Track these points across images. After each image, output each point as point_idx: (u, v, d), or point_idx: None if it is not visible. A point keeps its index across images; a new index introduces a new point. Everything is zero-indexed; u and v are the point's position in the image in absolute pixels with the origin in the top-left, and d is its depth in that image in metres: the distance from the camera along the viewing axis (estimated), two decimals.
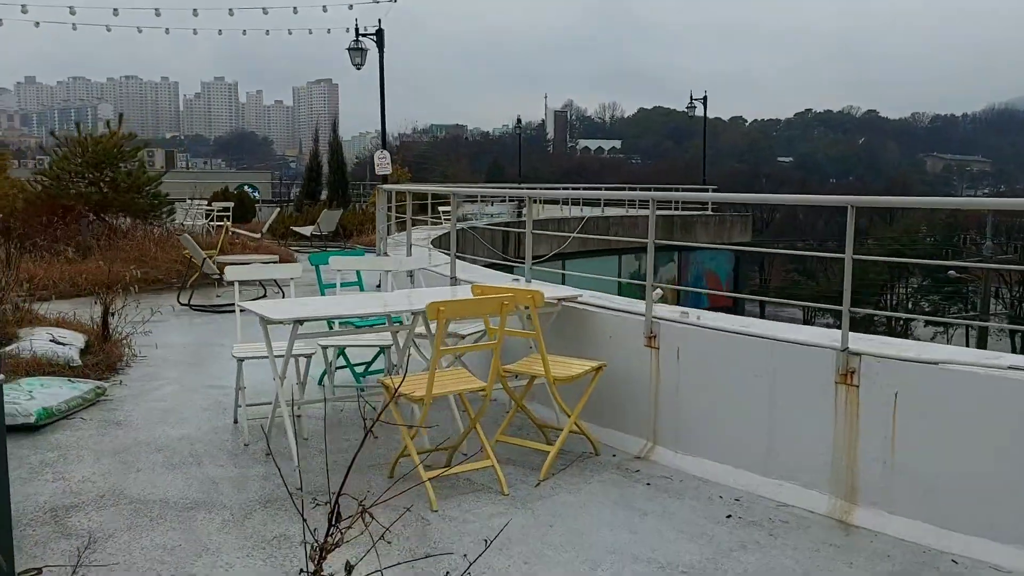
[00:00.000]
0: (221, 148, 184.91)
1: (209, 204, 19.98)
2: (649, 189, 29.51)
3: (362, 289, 6.69)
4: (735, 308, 21.84)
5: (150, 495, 4.44)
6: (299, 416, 5.60)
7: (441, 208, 19.44)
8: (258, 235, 17.43)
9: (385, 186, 10.86)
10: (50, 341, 6.94)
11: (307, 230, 18.55)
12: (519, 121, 46.49)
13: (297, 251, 18.06)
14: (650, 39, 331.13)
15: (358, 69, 17.14)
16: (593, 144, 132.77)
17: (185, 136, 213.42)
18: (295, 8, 22.15)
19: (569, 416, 4.87)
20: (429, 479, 4.29)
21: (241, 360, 5.29)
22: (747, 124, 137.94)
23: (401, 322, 5.19)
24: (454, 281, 6.96)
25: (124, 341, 7.65)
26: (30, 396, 5.70)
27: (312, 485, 4.60)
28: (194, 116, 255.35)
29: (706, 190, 24.65)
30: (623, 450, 5.18)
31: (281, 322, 4.43)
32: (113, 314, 7.56)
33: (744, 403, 4.59)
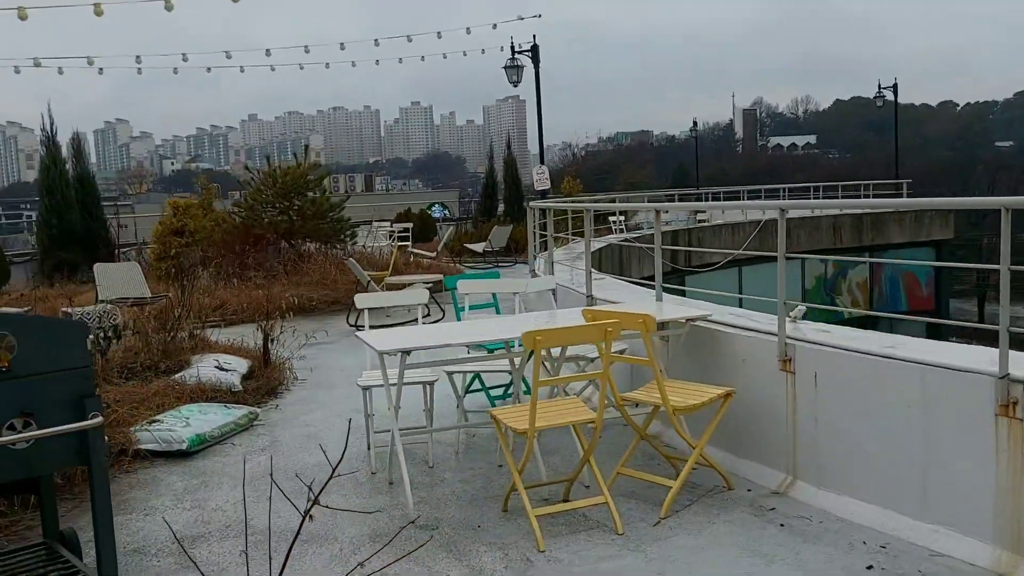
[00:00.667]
0: (419, 169, 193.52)
1: (392, 226, 20.83)
2: (837, 187, 27.70)
3: (497, 311, 6.60)
4: (936, 311, 19.92)
5: (273, 526, 4.53)
6: (428, 442, 5.59)
7: (611, 218, 19.16)
8: (433, 254, 17.93)
9: (533, 203, 10.77)
10: (215, 367, 7.38)
11: (479, 247, 18.88)
12: (695, 123, 45.27)
13: (471, 267, 18.44)
14: (843, 23, 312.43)
15: (515, 86, 17.29)
16: (785, 141, 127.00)
17: (386, 160, 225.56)
18: (468, 28, 22.79)
19: (694, 448, 4.51)
20: (537, 516, 4.09)
21: (366, 389, 5.34)
22: (958, 108, 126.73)
23: (514, 347, 5.04)
24: (590, 300, 6.71)
25: (284, 365, 8.01)
26: (186, 423, 6.05)
27: (427, 517, 4.54)
28: (394, 140, 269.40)
29: (900, 186, 22.72)
30: (760, 484, 4.73)
31: (387, 353, 4.40)
32: (272, 340, 7.93)
33: (893, 436, 4.04)
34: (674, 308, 5.42)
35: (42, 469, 3.44)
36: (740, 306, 5.76)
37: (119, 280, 11.42)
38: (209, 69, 22.78)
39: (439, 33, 20.91)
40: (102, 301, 11.01)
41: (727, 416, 4.64)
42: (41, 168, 16.50)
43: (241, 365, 7.65)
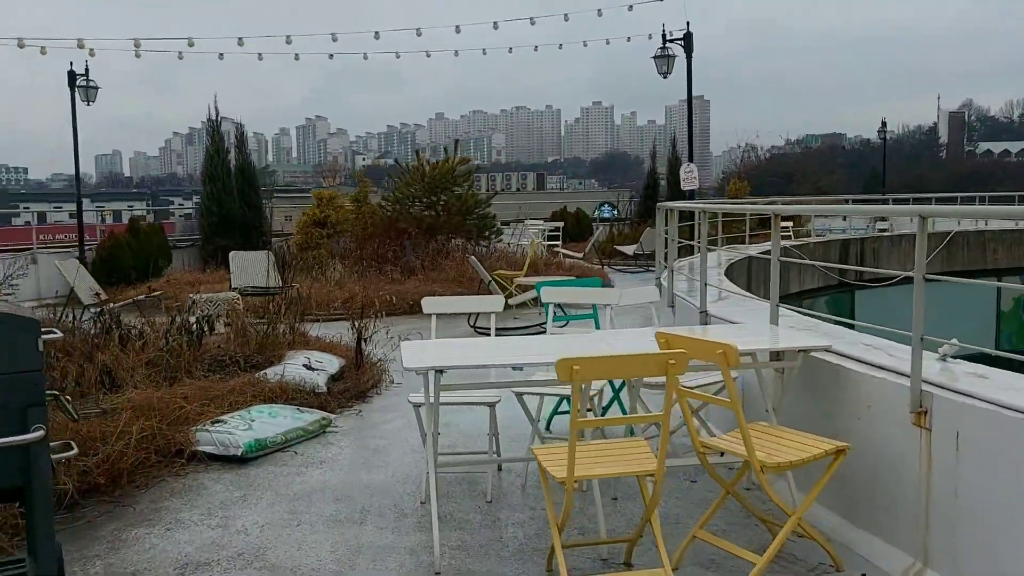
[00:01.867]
0: (596, 169, 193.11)
1: (543, 224, 20.26)
2: None
3: (597, 324, 5.80)
4: None
5: (286, 560, 3.99)
6: (488, 472, 4.89)
7: (783, 223, 17.62)
8: (580, 255, 17.19)
9: (666, 203, 9.78)
10: (303, 366, 7.02)
11: (630, 249, 17.94)
12: (883, 124, 41.66)
13: (620, 271, 17.54)
14: None
15: (664, 77, 16.17)
16: (997, 147, 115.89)
17: (564, 159, 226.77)
18: (649, 35, 21.85)
19: (790, 514, 3.54)
20: None
21: (417, 406, 4.70)
22: None
23: None
24: (704, 317, 5.77)
25: (379, 366, 7.56)
26: (248, 426, 5.67)
27: (456, 568, 3.84)
28: (573, 139, 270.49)
29: None
30: (879, 567, 3.69)
31: (415, 371, 3.74)
32: (366, 340, 7.50)
33: None
34: (788, 335, 4.42)
35: None
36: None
37: (252, 269, 11.48)
38: (398, 55, 22.82)
39: (628, 38, 20.24)
40: (234, 289, 11.09)
41: (844, 472, 3.65)
42: (205, 157, 17.21)
43: (332, 365, 7.26)
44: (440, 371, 3.76)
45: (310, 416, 6.10)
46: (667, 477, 4.63)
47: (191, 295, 10.09)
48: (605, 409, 5.73)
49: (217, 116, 16.91)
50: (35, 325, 2.95)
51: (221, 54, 19.09)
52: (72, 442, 3.50)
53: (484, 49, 23.61)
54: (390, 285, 12.85)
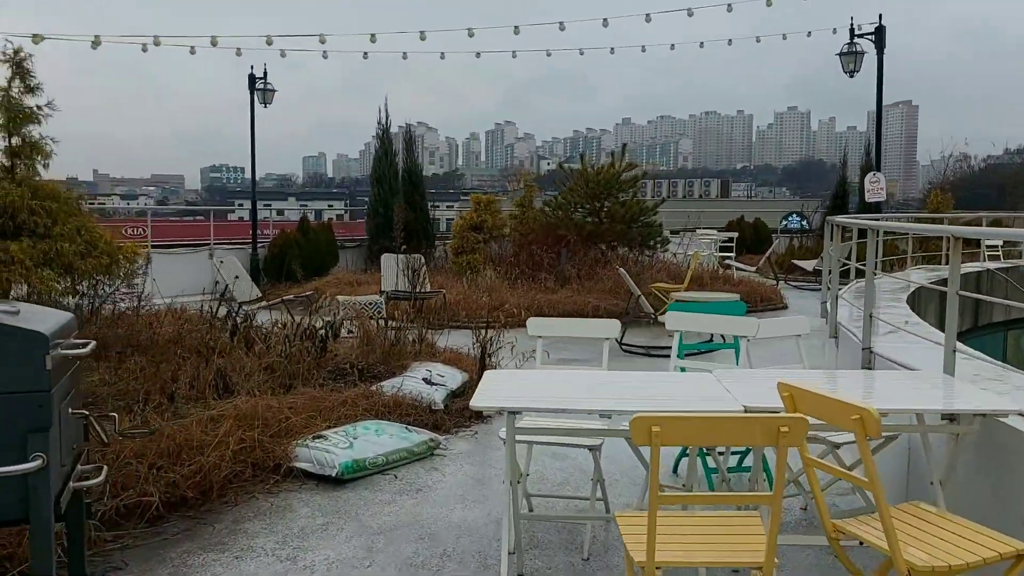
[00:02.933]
0: (788, 176, 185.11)
1: (716, 234, 19.14)
2: None
3: (737, 357, 5.01)
4: None
5: None
6: (588, 523, 4.26)
7: (987, 242, 15.73)
8: (753, 268, 16.01)
9: (836, 218, 8.63)
10: (422, 379, 6.65)
11: (809, 264, 16.51)
12: None
13: (797, 287, 16.21)
14: None
15: (851, 77, 14.58)
16: None
17: (754, 166, 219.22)
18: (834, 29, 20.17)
19: None
20: None
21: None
22: None
23: None
24: (868, 356, 4.84)
25: None
26: (349, 444, 5.33)
27: None
28: (765, 146, 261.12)
29: None
30: None
31: (483, 409, 3.19)
32: (490, 355, 7.03)
33: None
34: (966, 391, 3.48)
35: None
36: None
37: (403, 272, 11.36)
38: (582, 52, 22.28)
39: (809, 33, 18.77)
40: (382, 293, 11.01)
41: None
42: (374, 160, 17.49)
43: (454, 379, 6.85)
44: (513, 412, 3.19)
45: (417, 436, 5.69)
46: (802, 549, 3.83)
47: (338, 296, 10.06)
48: (742, 457, 4.95)
49: (387, 119, 17.20)
50: (43, 340, 2.66)
51: (404, 53, 19.29)
52: (104, 466, 3.23)
53: (672, 44, 22.59)
54: (541, 294, 12.39)
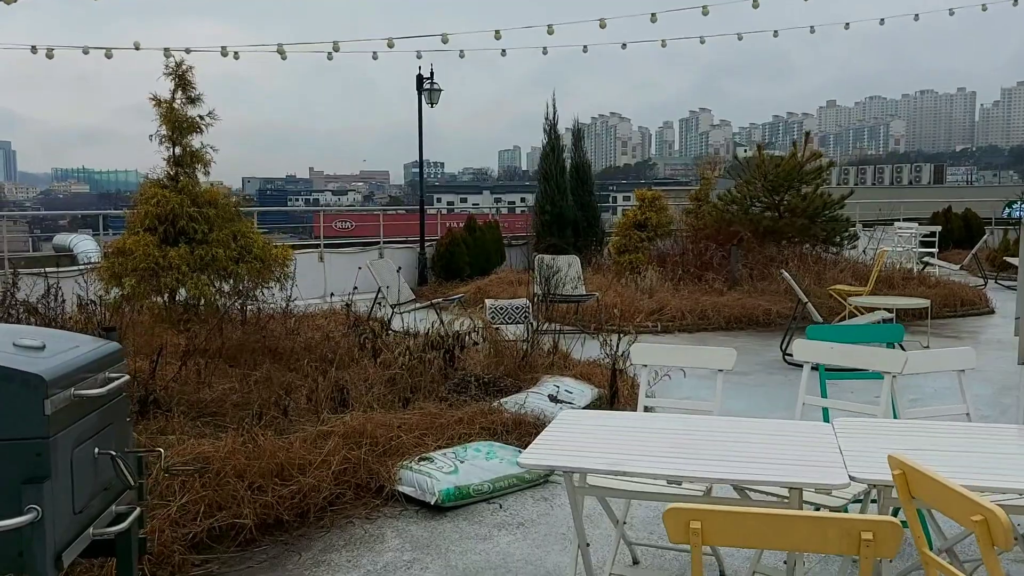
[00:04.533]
0: (1017, 158, 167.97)
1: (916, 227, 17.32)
2: None
3: (893, 408, 4.20)
4: None
5: None
6: None
7: None
8: (956, 266, 14.30)
9: None
10: (548, 396, 6.24)
11: None
12: None
13: (1011, 287, 14.30)
14: None
15: None
16: None
17: (976, 148, 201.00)
18: None
19: None
20: None
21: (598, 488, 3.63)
22: None
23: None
24: None
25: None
26: (454, 468, 5.02)
27: None
28: (990, 125, 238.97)
29: None
30: None
31: (533, 468, 2.73)
32: (621, 371, 6.48)
33: None
34: None
35: None
36: None
37: (558, 273, 10.98)
38: (776, 33, 21.01)
39: None
40: (534, 295, 10.69)
41: None
42: (541, 156, 17.19)
43: (583, 396, 6.38)
44: (570, 472, 2.71)
45: None
46: None
47: (486, 300, 9.86)
48: None
49: (554, 114, 16.83)
50: (39, 383, 2.48)
51: (585, 47, 18.88)
52: (136, 507, 3.06)
53: (882, 19, 20.69)
54: (707, 296, 11.61)
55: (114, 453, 2.89)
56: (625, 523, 3.85)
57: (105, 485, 2.92)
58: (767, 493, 3.24)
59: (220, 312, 8.21)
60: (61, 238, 19.20)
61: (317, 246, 15.51)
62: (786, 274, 9.21)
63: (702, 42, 13.99)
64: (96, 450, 2.82)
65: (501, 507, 4.89)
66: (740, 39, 13.46)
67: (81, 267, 10.38)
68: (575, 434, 3.05)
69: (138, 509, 3.02)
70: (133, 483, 2.94)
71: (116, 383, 2.89)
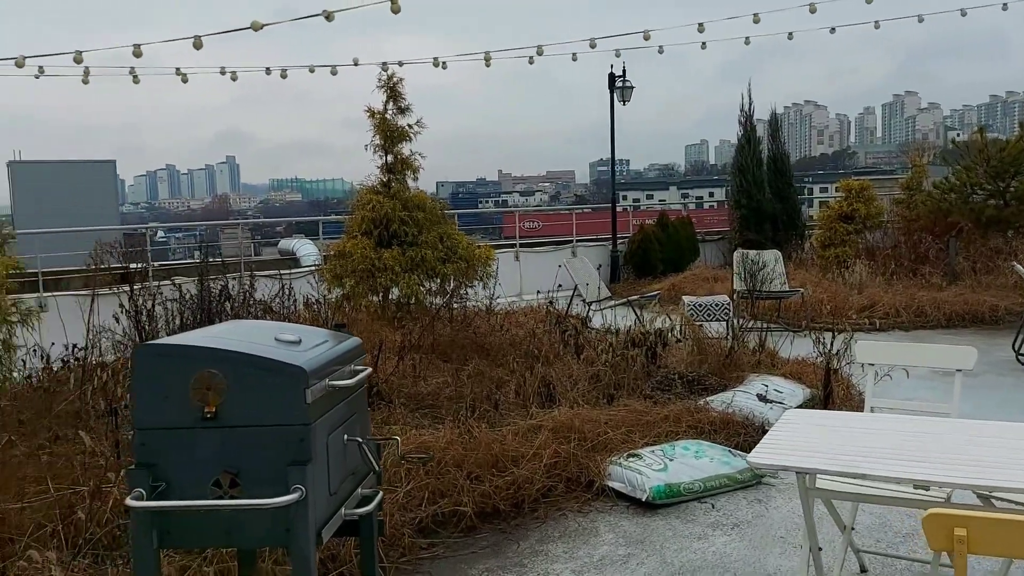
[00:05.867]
0: None
1: None
2: None
3: None
4: None
5: None
6: None
7: None
8: None
9: None
10: (756, 395, 6.09)
11: None
12: None
13: None
14: None
15: None
16: None
17: None
18: None
19: None
20: None
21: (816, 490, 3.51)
22: None
23: None
24: None
25: (858, 401, 6.20)
26: (664, 466, 5.01)
27: None
28: None
29: None
30: None
31: (764, 467, 2.70)
32: (835, 370, 6.19)
33: None
34: None
35: (241, 541, 2.92)
36: None
37: (758, 269, 10.66)
38: (1005, 6, 19.38)
39: None
40: (734, 292, 10.45)
41: None
42: (736, 148, 16.69)
43: (794, 397, 6.17)
44: (802, 472, 2.65)
45: (742, 462, 5.18)
46: None
47: (683, 297, 9.72)
48: None
49: (750, 105, 16.28)
50: (301, 374, 2.74)
51: (790, 34, 18.17)
52: (379, 490, 3.29)
53: None
54: (924, 291, 10.86)
55: (360, 440, 3.12)
56: (853, 528, 3.69)
57: (352, 470, 3.17)
58: (1011, 502, 3.03)
59: (429, 310, 8.63)
60: (285, 243, 20.83)
61: (511, 246, 15.91)
62: (1018, 266, 8.44)
63: (920, 20, 13.07)
64: (345, 437, 3.07)
65: (713, 507, 4.83)
66: (964, 15, 12.42)
67: (304, 269, 11.23)
68: (803, 434, 2.97)
69: (380, 493, 3.25)
70: (377, 468, 3.16)
71: (362, 375, 3.13)
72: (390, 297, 8.95)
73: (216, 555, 3.66)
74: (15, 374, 5.24)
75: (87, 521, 3.68)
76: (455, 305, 8.39)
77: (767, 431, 5.56)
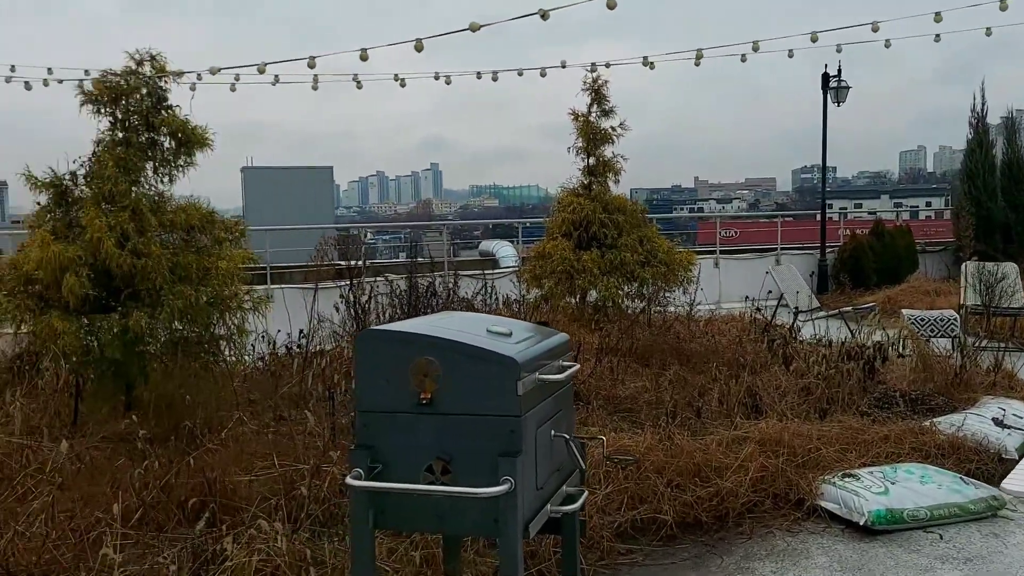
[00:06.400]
0: None
1: None
2: None
3: None
4: None
5: None
6: None
7: None
8: None
9: None
10: (991, 419, 5.51)
11: None
12: None
13: None
14: None
15: None
16: None
17: None
18: None
19: None
20: None
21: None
22: None
23: None
24: None
25: None
26: (885, 489, 4.63)
27: None
28: None
29: None
30: None
31: (1014, 495, 2.38)
32: None
33: None
34: None
35: (451, 528, 2.94)
36: None
37: (991, 283, 9.73)
38: None
39: None
40: (961, 307, 9.60)
41: None
42: (965, 153, 15.28)
43: None
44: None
45: (975, 491, 4.69)
46: None
47: (902, 310, 9.01)
48: None
49: (983, 107, 14.87)
50: (514, 365, 2.73)
51: None
52: (584, 489, 3.23)
53: None
54: None
55: (567, 437, 3.08)
56: None
57: (557, 466, 3.13)
58: None
59: (626, 313, 8.53)
60: (486, 244, 21.48)
61: (709, 252, 15.47)
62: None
63: None
64: (552, 432, 3.04)
65: (941, 538, 4.40)
66: None
67: (505, 270, 11.46)
68: None
69: (585, 492, 3.19)
70: (583, 466, 3.11)
71: (571, 370, 3.09)
72: (587, 299, 8.93)
73: (422, 540, 3.75)
74: (246, 357, 5.66)
75: (307, 498, 3.89)
76: (655, 309, 8.23)
77: (1004, 459, 5.05)
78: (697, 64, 11.58)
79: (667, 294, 8.65)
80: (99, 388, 5.29)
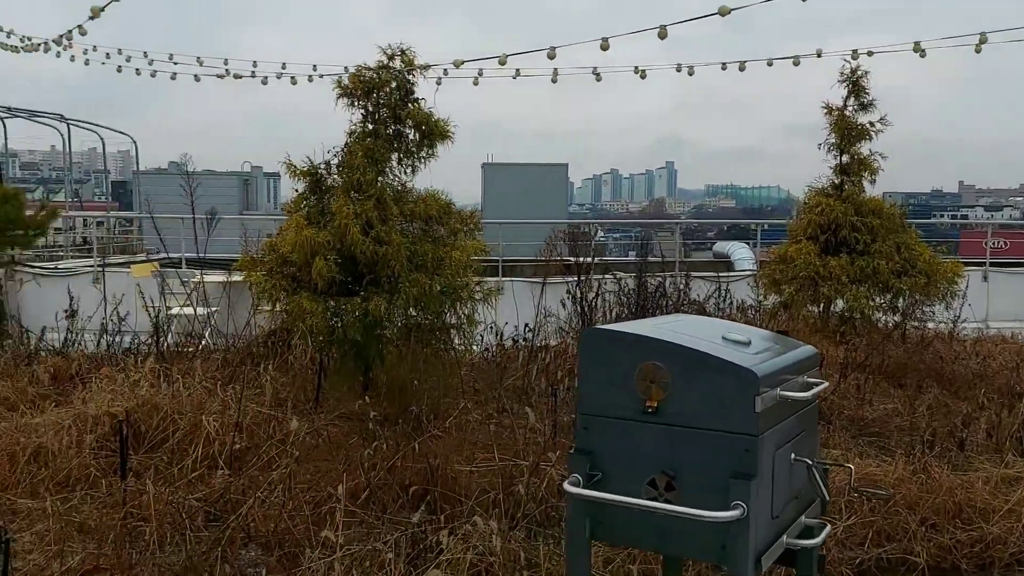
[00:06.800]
0: None
1: None
2: None
3: None
4: None
5: None
6: None
7: None
8: None
9: None
10: None
11: None
12: None
13: None
14: None
15: None
16: None
17: None
18: None
19: None
20: None
21: None
22: None
23: None
24: None
25: None
26: None
27: None
28: None
29: None
30: None
31: None
32: None
33: None
34: None
35: (672, 549, 2.69)
36: None
37: None
38: None
39: None
40: None
41: None
42: None
43: None
44: None
45: None
46: None
47: None
48: None
49: None
50: (753, 379, 2.46)
51: None
52: (826, 523, 2.88)
53: None
54: None
55: (809, 462, 2.76)
56: None
57: (796, 494, 2.81)
58: None
59: (877, 327, 7.80)
60: (720, 245, 20.75)
61: (977, 264, 13.87)
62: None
63: None
64: (793, 456, 2.73)
65: None
66: None
67: (741, 273, 10.93)
68: None
69: (828, 527, 2.85)
70: (827, 496, 2.77)
71: (817, 388, 2.76)
72: (832, 309, 8.26)
73: (641, 555, 3.55)
74: (474, 347, 5.73)
75: (525, 496, 3.81)
76: (911, 324, 7.44)
77: None
78: (978, 51, 10.36)
79: (927, 308, 7.80)
80: (341, 367, 5.58)
